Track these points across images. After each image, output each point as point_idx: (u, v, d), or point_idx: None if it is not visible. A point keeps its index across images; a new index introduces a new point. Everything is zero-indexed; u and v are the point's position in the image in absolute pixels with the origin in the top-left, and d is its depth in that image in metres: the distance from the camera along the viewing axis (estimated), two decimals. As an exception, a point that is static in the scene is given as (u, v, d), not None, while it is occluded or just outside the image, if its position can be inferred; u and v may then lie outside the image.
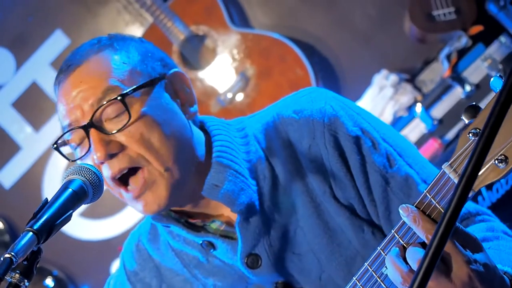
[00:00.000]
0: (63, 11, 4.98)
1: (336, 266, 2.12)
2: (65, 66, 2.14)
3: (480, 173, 1.54)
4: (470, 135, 1.57)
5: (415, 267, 1.63)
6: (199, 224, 2.21)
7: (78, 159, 2.10)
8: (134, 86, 2.08)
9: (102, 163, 2.05)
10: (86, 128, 2.04)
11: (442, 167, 1.62)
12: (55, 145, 2.13)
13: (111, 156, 2.03)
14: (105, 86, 2.07)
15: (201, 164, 2.15)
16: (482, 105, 1.58)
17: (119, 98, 2.04)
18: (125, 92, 2.06)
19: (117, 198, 2.15)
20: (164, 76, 2.17)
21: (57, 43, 4.98)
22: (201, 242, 2.18)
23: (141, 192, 2.06)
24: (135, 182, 2.07)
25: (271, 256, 2.14)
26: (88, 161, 2.07)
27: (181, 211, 2.22)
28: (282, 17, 4.84)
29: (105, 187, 1.89)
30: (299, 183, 2.15)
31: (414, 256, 1.63)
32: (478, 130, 1.55)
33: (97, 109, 2.04)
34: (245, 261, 2.15)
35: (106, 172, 2.05)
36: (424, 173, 2.12)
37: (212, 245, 2.18)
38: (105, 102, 2.04)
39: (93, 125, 2.04)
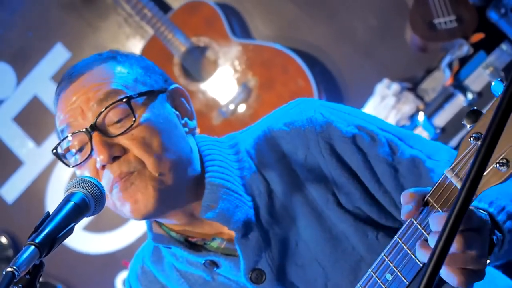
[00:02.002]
0: (63, 25, 4.99)
1: (342, 273, 2.11)
2: (67, 76, 2.14)
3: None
4: (472, 139, 1.57)
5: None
6: (200, 243, 2.20)
7: (78, 164, 2.09)
8: (139, 92, 2.09)
9: (104, 166, 2.04)
10: (89, 132, 2.04)
11: (444, 172, 1.62)
12: (54, 151, 2.12)
13: (113, 159, 2.03)
14: (107, 89, 2.07)
15: (198, 184, 2.14)
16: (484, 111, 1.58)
17: (124, 100, 2.05)
18: (130, 94, 2.06)
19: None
20: (166, 90, 2.17)
21: (57, 57, 4.99)
22: (203, 261, 2.17)
23: (126, 180, 2.03)
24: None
25: (274, 270, 2.13)
26: (86, 171, 2.07)
27: (181, 230, 2.21)
28: (283, 28, 4.85)
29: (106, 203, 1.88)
30: (298, 194, 2.14)
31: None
32: (480, 135, 1.55)
33: (102, 111, 2.04)
34: (249, 277, 2.13)
35: (108, 176, 2.04)
36: (426, 149, 2.11)
37: (215, 264, 2.17)
38: (110, 104, 2.04)
39: (97, 128, 2.04)
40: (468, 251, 1.61)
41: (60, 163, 2.38)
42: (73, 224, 1.72)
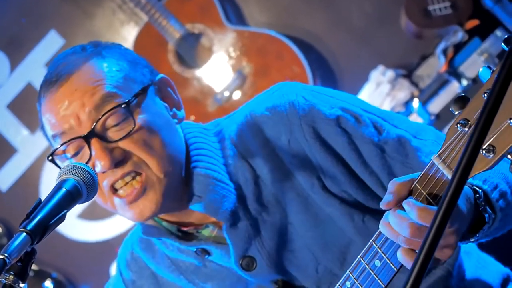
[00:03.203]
0: (57, 11, 4.96)
1: (331, 256, 2.11)
2: (53, 77, 2.09)
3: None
4: (458, 125, 1.57)
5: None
6: (192, 232, 2.20)
7: None
8: (134, 93, 2.07)
9: (104, 172, 2.03)
10: (87, 138, 2.02)
11: (431, 158, 1.61)
12: (50, 157, 2.11)
13: (116, 164, 2.02)
14: (102, 93, 2.05)
15: (185, 174, 2.14)
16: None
17: (123, 105, 2.03)
18: (128, 100, 2.04)
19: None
20: (153, 82, 2.15)
21: (51, 43, 4.96)
22: (195, 249, 2.17)
23: (136, 197, 2.05)
24: (130, 187, 2.05)
25: (265, 256, 2.13)
26: None
27: (173, 221, 2.21)
28: (278, 14, 4.83)
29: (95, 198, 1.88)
30: (284, 180, 2.13)
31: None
32: (467, 121, 1.55)
33: (100, 118, 2.02)
34: (240, 264, 2.13)
35: (107, 179, 2.03)
36: (412, 129, 2.10)
37: (206, 252, 2.17)
38: (108, 110, 2.02)
39: (95, 134, 2.02)
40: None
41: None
42: (65, 211, 1.71)
